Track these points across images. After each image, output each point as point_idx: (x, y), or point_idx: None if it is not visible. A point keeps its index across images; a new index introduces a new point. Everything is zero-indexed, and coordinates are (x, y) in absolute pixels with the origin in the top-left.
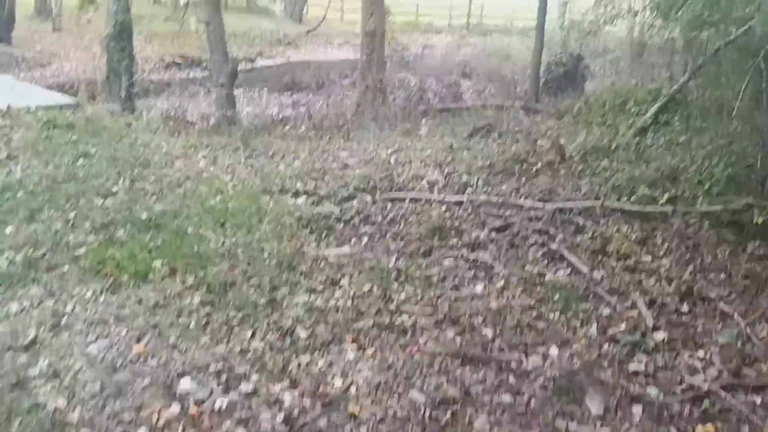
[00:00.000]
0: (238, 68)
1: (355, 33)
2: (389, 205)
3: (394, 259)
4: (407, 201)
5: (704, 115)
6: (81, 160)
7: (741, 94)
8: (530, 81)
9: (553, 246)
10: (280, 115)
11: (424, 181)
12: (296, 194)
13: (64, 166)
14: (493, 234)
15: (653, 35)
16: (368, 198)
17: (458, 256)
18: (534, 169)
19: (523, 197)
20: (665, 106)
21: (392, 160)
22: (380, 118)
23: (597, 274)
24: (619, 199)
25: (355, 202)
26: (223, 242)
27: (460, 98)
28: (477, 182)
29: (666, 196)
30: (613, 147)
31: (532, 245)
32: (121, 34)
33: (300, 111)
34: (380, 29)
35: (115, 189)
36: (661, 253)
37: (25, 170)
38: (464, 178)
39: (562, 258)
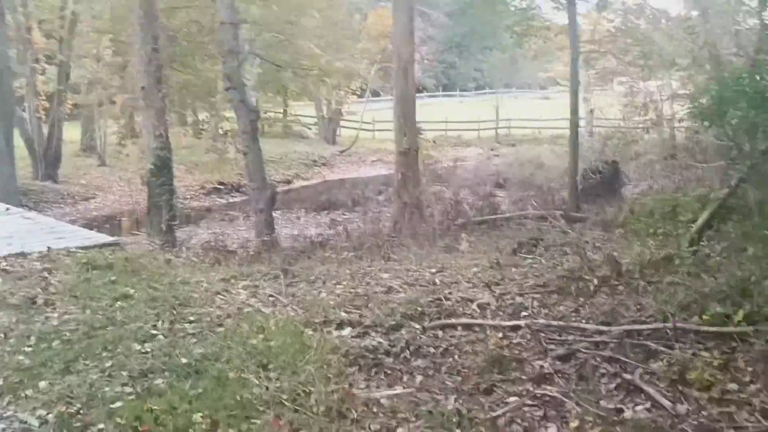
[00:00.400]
0: (276, 191)
1: (387, 150)
2: (440, 333)
3: (453, 400)
4: (459, 328)
5: (764, 219)
6: (119, 303)
7: None
8: (569, 189)
9: (627, 376)
10: (318, 236)
11: (475, 305)
12: (340, 326)
13: (102, 310)
14: (558, 363)
15: (696, 140)
16: (417, 327)
17: (523, 393)
18: (590, 287)
19: (584, 320)
20: (717, 211)
21: (437, 281)
22: (418, 234)
23: (681, 408)
24: (688, 319)
25: (403, 331)
26: (267, 387)
27: (497, 209)
28: (531, 304)
29: (741, 313)
30: (670, 259)
31: (603, 375)
32: (161, 170)
33: (338, 230)
34: (414, 147)
35: (154, 332)
36: (747, 379)
37: (62, 317)
38: (517, 299)
39: (638, 390)
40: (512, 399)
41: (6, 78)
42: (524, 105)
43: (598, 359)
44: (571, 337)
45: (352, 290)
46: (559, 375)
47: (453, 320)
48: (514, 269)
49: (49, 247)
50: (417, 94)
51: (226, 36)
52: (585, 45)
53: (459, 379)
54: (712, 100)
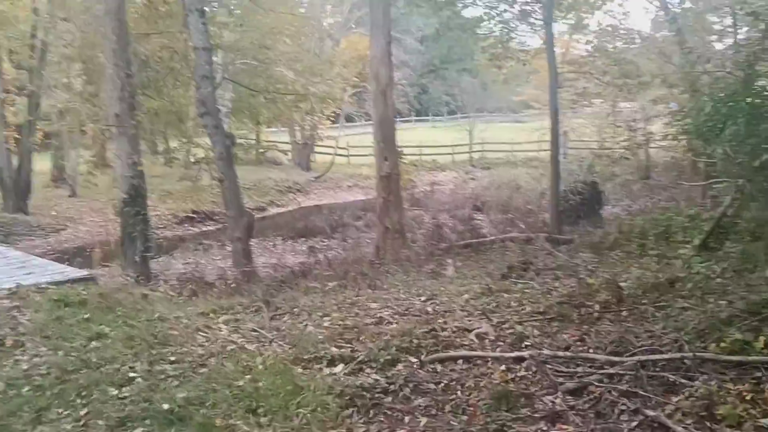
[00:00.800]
0: (253, 218)
1: (362, 175)
2: (439, 367)
3: None
4: (459, 361)
5: (760, 237)
6: (94, 343)
7: None
8: (550, 211)
9: (650, 412)
10: (299, 265)
11: (473, 335)
12: (332, 362)
13: (76, 351)
14: (570, 399)
15: (675, 160)
16: (414, 361)
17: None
18: (593, 313)
19: (591, 349)
20: (713, 231)
21: (430, 310)
22: (402, 260)
23: None
24: (705, 347)
25: (400, 366)
26: None
27: (478, 233)
28: (532, 332)
29: (762, 339)
30: (672, 282)
31: (622, 412)
32: (135, 199)
33: (318, 257)
34: (395, 171)
35: (132, 374)
36: None
37: (32, 360)
38: (516, 328)
39: (664, 428)
40: None
41: None
42: (497, 129)
43: (614, 393)
44: (580, 369)
45: (340, 322)
46: (574, 412)
47: (452, 352)
48: (506, 295)
49: (18, 284)
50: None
51: (199, 61)
52: (563, 66)
53: (465, 418)
54: (707, 117)
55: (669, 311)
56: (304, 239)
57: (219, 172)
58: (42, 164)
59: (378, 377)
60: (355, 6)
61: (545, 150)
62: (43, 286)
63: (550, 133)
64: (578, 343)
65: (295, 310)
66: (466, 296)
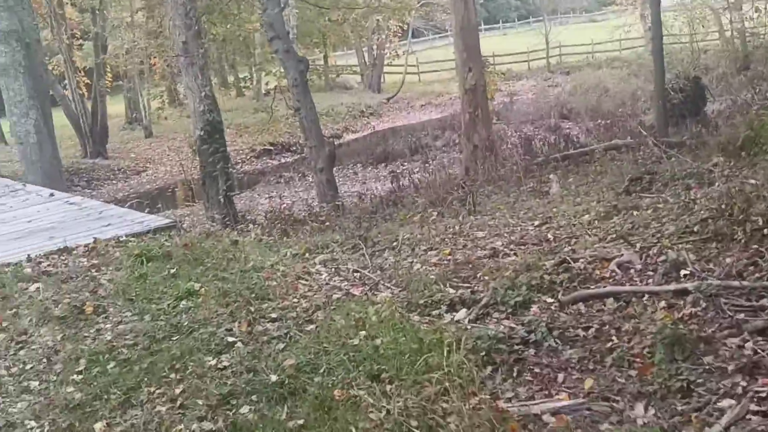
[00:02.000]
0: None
1: (435, 93)
2: (583, 308)
3: (642, 408)
4: (608, 300)
5: None
6: (183, 303)
7: None
8: (656, 112)
9: None
10: (386, 192)
11: (614, 265)
12: (451, 307)
13: (164, 314)
14: (761, 341)
15: None
16: (550, 301)
17: (735, 389)
18: (762, 228)
19: None
20: None
21: (550, 236)
22: (496, 179)
23: None
24: None
25: (535, 309)
26: (387, 410)
27: (571, 142)
28: (688, 258)
29: None
30: None
31: None
32: (212, 135)
33: (403, 183)
34: (480, 83)
35: (230, 339)
36: None
37: (116, 328)
38: (669, 254)
39: None
40: (725, 403)
41: (36, 53)
42: (572, 30)
43: None
44: (764, 301)
45: (448, 257)
46: None
47: (594, 289)
48: (637, 213)
49: (95, 239)
50: None
51: None
52: None
53: (634, 373)
54: None
55: None
56: (384, 164)
57: (294, 100)
58: (115, 107)
59: (512, 324)
60: None
61: (627, 48)
62: (122, 239)
63: (648, 25)
64: (751, 268)
65: (394, 244)
66: (587, 217)
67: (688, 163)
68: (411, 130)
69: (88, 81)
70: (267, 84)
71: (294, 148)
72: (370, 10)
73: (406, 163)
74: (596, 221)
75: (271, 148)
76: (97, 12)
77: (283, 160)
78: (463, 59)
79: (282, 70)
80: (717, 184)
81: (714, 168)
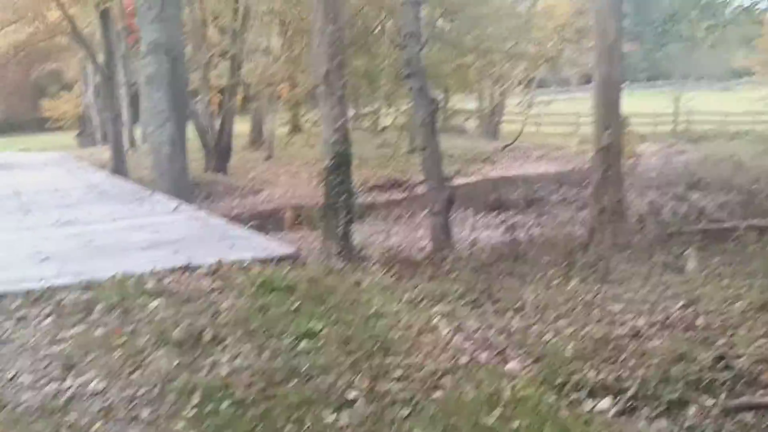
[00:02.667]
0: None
1: (552, 145)
2: (750, 418)
3: None
4: None
5: None
6: (304, 343)
7: None
8: None
9: None
10: (501, 243)
11: None
12: (592, 393)
13: (283, 353)
14: None
15: None
16: (711, 403)
17: None
18: None
19: None
20: None
21: (700, 322)
22: (626, 247)
23: None
24: None
25: (692, 410)
26: None
27: (703, 215)
28: None
29: None
30: None
31: None
32: (340, 167)
33: (517, 234)
34: (616, 143)
35: (351, 393)
36: None
37: (233, 361)
38: None
39: None
40: None
41: (180, 66)
42: (703, 98)
43: None
44: None
45: (583, 328)
46: None
47: (763, 396)
48: None
49: (219, 261)
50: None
51: (407, 17)
52: None
53: None
54: None
55: None
56: (496, 213)
57: (421, 139)
58: (241, 127)
59: (670, 425)
60: None
61: (764, 122)
62: (246, 264)
63: None
64: None
65: (518, 304)
66: (739, 305)
67: None
68: (525, 180)
69: (220, 99)
70: (388, 118)
71: (403, 185)
72: (507, 56)
73: (519, 215)
74: (752, 311)
75: (383, 183)
76: (237, 34)
77: (392, 197)
78: (601, 115)
79: (410, 107)
80: None
81: None
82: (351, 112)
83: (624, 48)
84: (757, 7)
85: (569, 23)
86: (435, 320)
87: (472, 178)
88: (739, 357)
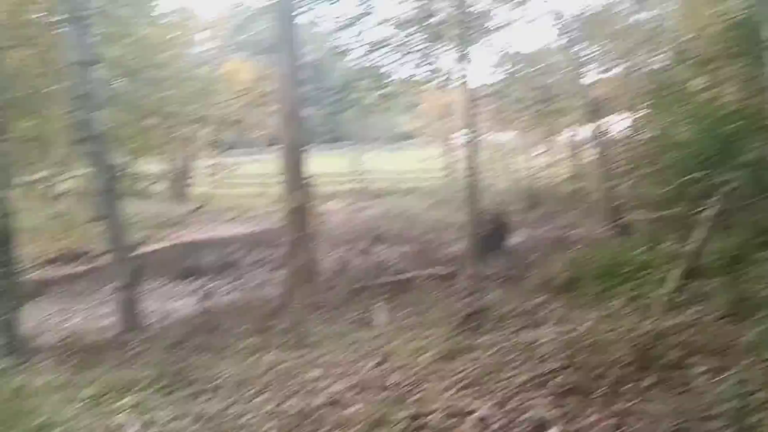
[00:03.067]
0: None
1: (243, 207)
2: None
3: None
4: None
5: None
6: None
7: None
8: (467, 242)
9: None
10: (197, 314)
11: (471, 421)
12: None
13: None
14: None
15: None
16: None
17: None
18: (618, 382)
19: None
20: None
21: (392, 381)
22: (317, 306)
23: None
24: None
25: None
26: None
27: (386, 268)
28: (551, 413)
29: None
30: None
31: None
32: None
33: (213, 302)
34: (306, 204)
35: None
36: None
37: None
38: (528, 406)
39: None
40: None
41: None
42: (378, 157)
43: None
44: None
45: (284, 404)
46: None
47: None
48: (476, 354)
49: None
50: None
51: (76, 78)
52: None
53: None
54: None
55: (715, 376)
56: (191, 279)
57: (101, 208)
58: None
59: None
60: (237, 30)
61: (431, 178)
62: None
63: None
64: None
65: (216, 383)
66: (427, 356)
67: (512, 299)
68: (219, 243)
69: None
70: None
71: (86, 257)
72: (191, 119)
73: (215, 280)
74: (437, 363)
75: (60, 255)
76: None
77: (74, 270)
78: (288, 177)
79: (88, 172)
80: (549, 324)
81: (540, 307)
82: (19, 179)
83: (306, 112)
84: (414, 79)
85: (252, 88)
86: (120, 417)
87: (163, 244)
88: (432, 413)
